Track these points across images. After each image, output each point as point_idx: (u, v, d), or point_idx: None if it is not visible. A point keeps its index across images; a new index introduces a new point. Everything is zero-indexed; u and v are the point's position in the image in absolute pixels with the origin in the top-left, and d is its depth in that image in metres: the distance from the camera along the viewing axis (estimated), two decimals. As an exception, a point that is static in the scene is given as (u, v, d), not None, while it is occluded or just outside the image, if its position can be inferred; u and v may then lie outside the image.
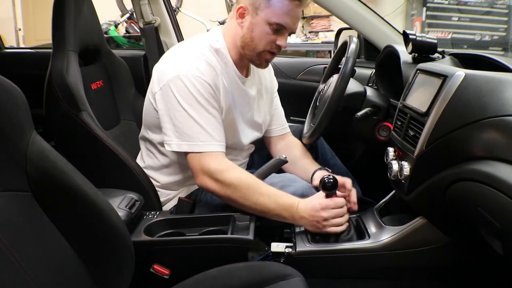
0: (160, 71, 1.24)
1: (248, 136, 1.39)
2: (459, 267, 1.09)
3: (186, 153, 1.19)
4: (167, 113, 1.19)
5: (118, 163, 1.25)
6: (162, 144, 1.27)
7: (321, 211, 1.09)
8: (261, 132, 1.45)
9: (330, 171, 1.38)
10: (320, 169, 1.38)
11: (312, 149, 1.53)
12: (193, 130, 1.17)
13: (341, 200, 1.12)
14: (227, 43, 1.27)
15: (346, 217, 1.13)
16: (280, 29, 1.21)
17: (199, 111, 1.18)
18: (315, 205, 1.10)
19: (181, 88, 1.17)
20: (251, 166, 1.49)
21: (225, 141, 1.23)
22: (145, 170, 1.34)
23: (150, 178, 1.32)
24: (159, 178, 1.33)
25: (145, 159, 1.37)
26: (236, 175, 1.16)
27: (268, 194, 1.14)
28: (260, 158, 1.55)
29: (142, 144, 1.41)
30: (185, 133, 1.17)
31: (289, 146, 1.50)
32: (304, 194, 1.22)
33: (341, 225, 1.11)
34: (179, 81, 1.17)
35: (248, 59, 1.28)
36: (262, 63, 1.28)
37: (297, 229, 1.15)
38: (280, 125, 1.53)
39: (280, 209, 1.13)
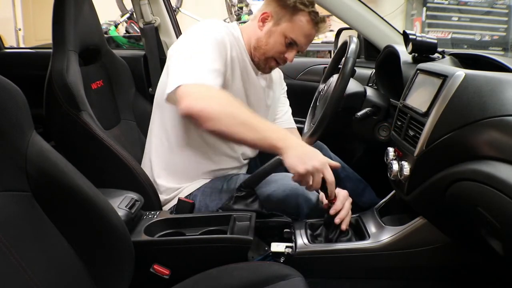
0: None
1: None
2: (459, 267, 1.09)
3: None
4: (170, 66, 1.22)
5: (118, 163, 1.25)
6: (171, 132, 1.29)
7: (320, 158, 1.03)
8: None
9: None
10: None
11: None
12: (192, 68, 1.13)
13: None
14: (244, 39, 1.35)
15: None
16: (292, 45, 1.31)
17: (199, 52, 1.16)
18: (319, 152, 1.05)
19: (188, 35, 1.22)
20: (253, 169, 1.49)
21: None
22: (153, 168, 1.33)
23: (157, 178, 1.32)
24: (165, 177, 1.32)
25: (153, 156, 1.35)
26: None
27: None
28: (261, 162, 1.54)
29: (153, 138, 1.37)
30: (176, 75, 1.12)
31: None
32: (303, 189, 1.22)
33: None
34: (188, 31, 1.23)
35: (255, 60, 1.35)
36: (266, 68, 1.37)
37: (297, 229, 1.15)
38: (286, 120, 1.55)
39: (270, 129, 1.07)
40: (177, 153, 1.31)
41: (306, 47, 1.36)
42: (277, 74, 1.55)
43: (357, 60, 1.29)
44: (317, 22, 1.32)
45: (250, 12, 4.61)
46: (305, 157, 1.03)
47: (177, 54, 1.21)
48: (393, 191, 1.23)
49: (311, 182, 1.04)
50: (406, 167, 0.97)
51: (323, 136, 1.30)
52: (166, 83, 1.29)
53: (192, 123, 1.08)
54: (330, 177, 1.04)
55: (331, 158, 1.50)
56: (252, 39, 1.34)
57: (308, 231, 1.15)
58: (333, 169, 1.07)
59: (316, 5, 1.34)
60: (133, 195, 1.09)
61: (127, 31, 4.23)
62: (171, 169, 1.32)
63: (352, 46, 1.26)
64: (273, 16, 1.31)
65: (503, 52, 4.71)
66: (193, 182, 1.32)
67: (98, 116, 1.30)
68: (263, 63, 1.35)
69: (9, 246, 0.64)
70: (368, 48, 1.86)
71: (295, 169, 1.02)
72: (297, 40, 1.31)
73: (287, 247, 1.09)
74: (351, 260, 1.09)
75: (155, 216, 1.15)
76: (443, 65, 1.06)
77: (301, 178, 1.04)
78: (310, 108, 1.55)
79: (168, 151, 1.32)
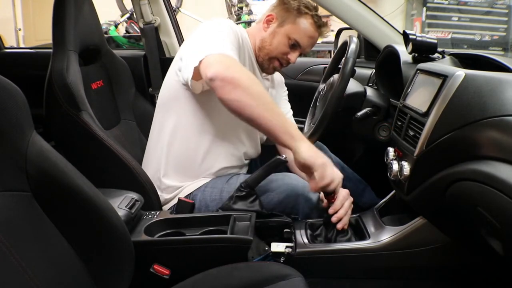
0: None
1: None
2: (459, 267, 1.09)
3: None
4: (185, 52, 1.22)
5: (118, 163, 1.25)
6: (178, 127, 1.30)
7: (327, 164, 1.04)
8: None
9: None
10: None
11: None
12: (206, 44, 1.14)
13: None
14: (250, 40, 1.39)
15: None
16: (295, 46, 1.37)
17: (218, 37, 1.16)
18: (327, 159, 1.07)
19: (201, 30, 1.21)
20: (253, 169, 1.49)
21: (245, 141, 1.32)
22: (161, 168, 1.32)
23: (164, 177, 1.31)
24: (171, 176, 1.32)
25: (163, 155, 1.33)
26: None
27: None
28: (261, 162, 1.54)
29: (162, 138, 1.34)
30: (198, 51, 1.11)
31: None
32: (304, 187, 1.22)
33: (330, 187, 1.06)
34: (200, 29, 1.23)
35: (259, 60, 1.40)
36: (269, 69, 1.42)
37: (297, 229, 1.15)
38: None
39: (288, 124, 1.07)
40: (189, 152, 1.31)
41: (309, 49, 1.40)
42: (278, 77, 1.58)
43: (357, 60, 1.29)
44: (320, 25, 1.38)
45: (250, 12, 4.62)
46: (316, 153, 1.06)
47: (193, 43, 1.20)
48: (393, 191, 1.23)
49: (327, 175, 1.03)
50: (406, 167, 0.97)
51: (323, 136, 1.30)
52: (171, 85, 1.30)
53: (216, 89, 1.05)
54: (339, 173, 1.08)
55: (331, 158, 1.51)
56: (257, 40, 1.39)
57: (308, 231, 1.15)
58: None
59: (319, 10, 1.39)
60: (133, 195, 1.09)
61: (127, 31, 4.24)
62: (179, 168, 1.32)
63: (352, 46, 1.26)
64: (278, 18, 1.37)
65: (503, 52, 4.72)
66: (194, 181, 1.32)
67: (98, 116, 1.30)
68: (267, 63, 1.39)
69: (9, 246, 0.64)
70: (368, 48, 1.86)
71: (313, 160, 1.03)
72: (300, 41, 1.36)
73: (287, 247, 1.09)
74: (351, 260, 1.09)
75: (155, 216, 1.15)
76: (443, 65, 1.06)
77: (318, 169, 1.03)
78: (310, 108, 1.55)
79: (180, 151, 1.31)
